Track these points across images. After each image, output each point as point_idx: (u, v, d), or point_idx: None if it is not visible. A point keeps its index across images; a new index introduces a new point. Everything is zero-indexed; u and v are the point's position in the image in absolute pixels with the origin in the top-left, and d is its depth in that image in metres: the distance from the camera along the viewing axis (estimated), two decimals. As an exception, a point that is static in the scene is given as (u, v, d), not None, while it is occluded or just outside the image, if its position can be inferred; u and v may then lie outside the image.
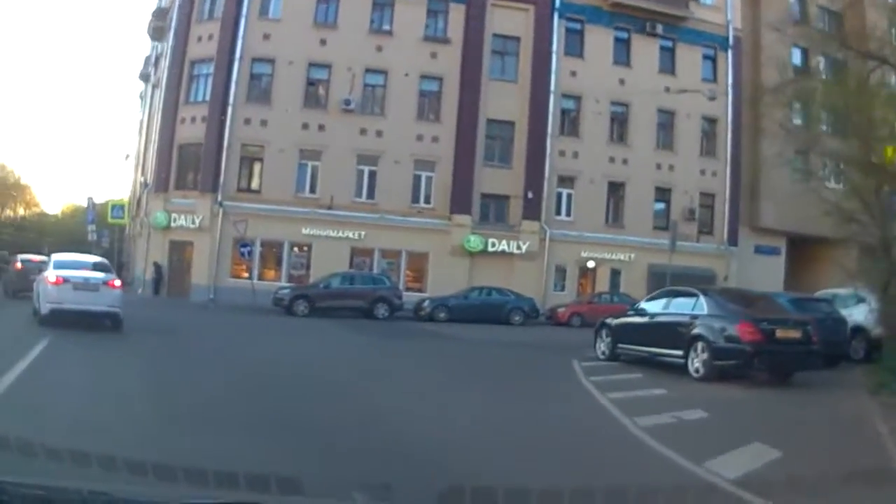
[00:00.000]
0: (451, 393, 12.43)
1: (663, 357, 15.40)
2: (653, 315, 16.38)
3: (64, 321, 16.25)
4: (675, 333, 14.95)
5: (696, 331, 14.53)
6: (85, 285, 16.53)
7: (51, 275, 16.86)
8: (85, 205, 38.15)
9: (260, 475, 4.12)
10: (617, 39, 38.59)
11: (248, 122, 34.67)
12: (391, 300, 30.91)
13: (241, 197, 34.31)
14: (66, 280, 16.44)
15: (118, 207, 33.45)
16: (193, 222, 34.07)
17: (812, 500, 6.22)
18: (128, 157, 42.44)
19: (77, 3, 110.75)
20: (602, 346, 17.64)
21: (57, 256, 19.62)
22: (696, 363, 14.34)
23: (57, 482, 2.95)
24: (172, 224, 34.40)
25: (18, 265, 27.03)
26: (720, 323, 14.43)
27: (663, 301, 16.58)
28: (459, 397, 11.90)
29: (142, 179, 40.01)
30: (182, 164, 35.27)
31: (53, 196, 73.25)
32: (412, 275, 36.26)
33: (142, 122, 45.93)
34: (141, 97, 50.64)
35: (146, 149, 38.86)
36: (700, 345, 14.32)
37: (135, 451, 5.69)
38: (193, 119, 35.10)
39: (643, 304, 17.57)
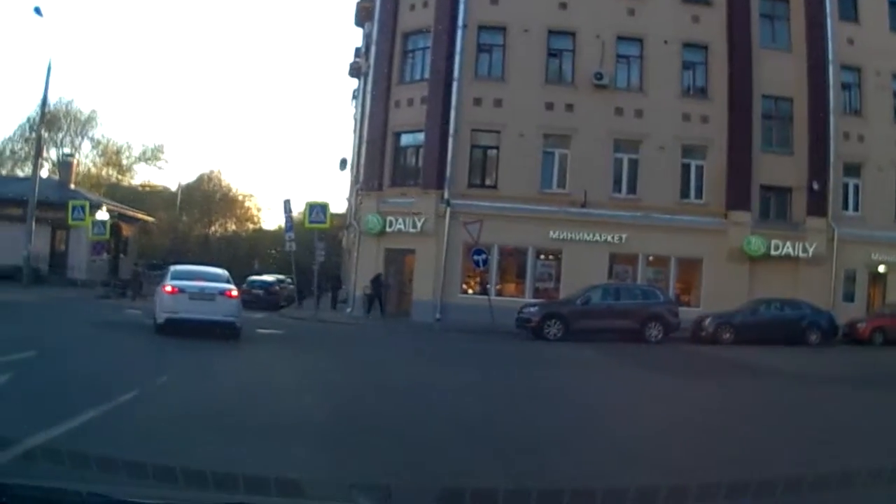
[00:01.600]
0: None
1: None
2: None
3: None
4: None
5: None
6: (200, 295, 16.72)
7: (167, 285, 17.18)
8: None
9: (260, 477, 4.27)
10: (892, 3, 30.66)
11: (478, 102, 28.23)
12: (666, 318, 24.48)
13: (472, 194, 27.78)
14: (181, 290, 16.74)
15: (317, 209, 27.23)
16: (414, 226, 27.69)
17: None
18: (344, 162, 37.89)
19: (289, 14, 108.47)
20: None
21: (176, 267, 19.86)
22: None
23: (56, 483, 2.91)
24: (388, 228, 28.15)
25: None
26: None
27: None
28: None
29: (351, 177, 34.01)
30: (398, 157, 29.11)
31: (271, 212, 73.06)
32: (681, 286, 28.96)
33: (355, 118, 41.62)
34: (354, 95, 46.27)
35: (359, 148, 33.04)
36: None
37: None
38: (410, 101, 28.91)
39: None
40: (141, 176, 65.58)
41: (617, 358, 19.11)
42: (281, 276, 39.67)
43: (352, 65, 45.65)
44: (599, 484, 5.99)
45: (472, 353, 18.94)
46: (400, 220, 27.94)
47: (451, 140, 27.76)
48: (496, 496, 4.64)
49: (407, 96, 29.04)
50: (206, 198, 68.11)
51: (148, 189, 62.19)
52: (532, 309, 24.29)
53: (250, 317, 27.65)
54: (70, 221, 31.87)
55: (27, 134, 51.68)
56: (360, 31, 38.90)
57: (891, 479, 6.42)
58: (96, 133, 58.26)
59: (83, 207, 31.62)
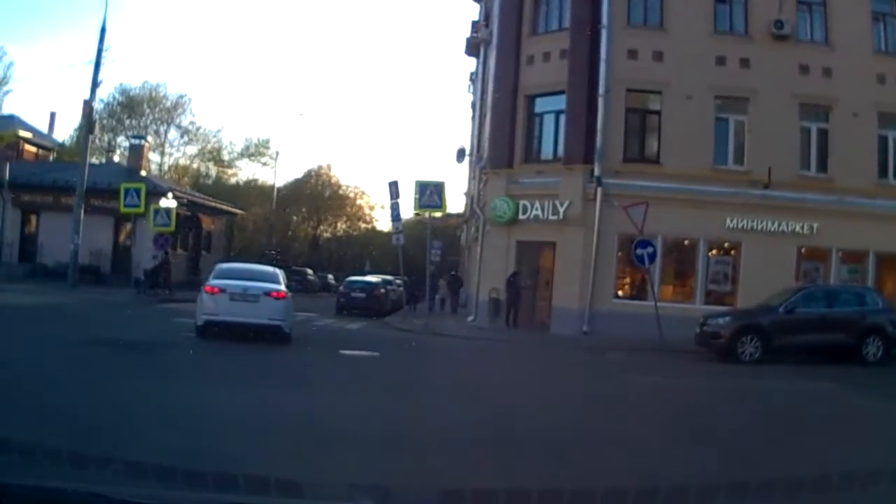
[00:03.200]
0: None
1: None
2: None
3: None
4: None
5: None
6: (243, 296, 15.31)
7: (208, 284, 15.97)
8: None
9: (260, 477, 4.23)
10: None
11: (632, 55, 22.27)
12: (887, 331, 18.13)
13: (629, 171, 21.85)
14: (222, 290, 15.43)
15: (430, 188, 21.64)
16: (555, 211, 21.93)
17: None
18: (462, 152, 32.42)
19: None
20: None
21: (223, 265, 18.60)
22: None
23: (56, 483, 2.86)
24: (521, 216, 22.44)
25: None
26: None
27: None
28: None
29: (471, 165, 28.28)
30: (532, 126, 23.37)
31: (385, 210, 68.75)
32: (880, 288, 22.41)
33: (473, 105, 37.23)
34: (471, 78, 41.82)
35: (480, 123, 27.76)
36: None
37: None
38: (547, 56, 23.14)
39: None
40: (246, 172, 62.32)
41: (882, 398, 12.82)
42: (388, 277, 34.40)
43: (469, 40, 40.59)
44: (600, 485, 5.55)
45: (669, 395, 12.57)
46: (536, 205, 22.20)
47: (600, 102, 21.85)
48: (496, 497, 4.48)
49: (542, 50, 23.25)
50: (315, 195, 64.82)
51: (252, 186, 58.23)
52: (721, 320, 18.22)
53: (342, 327, 22.65)
54: (122, 208, 26.85)
55: (104, 118, 47.85)
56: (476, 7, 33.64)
57: None
58: (184, 121, 53.80)
59: (137, 191, 26.57)
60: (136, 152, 33.69)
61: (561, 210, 21.78)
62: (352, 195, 67.88)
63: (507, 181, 22.76)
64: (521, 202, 22.41)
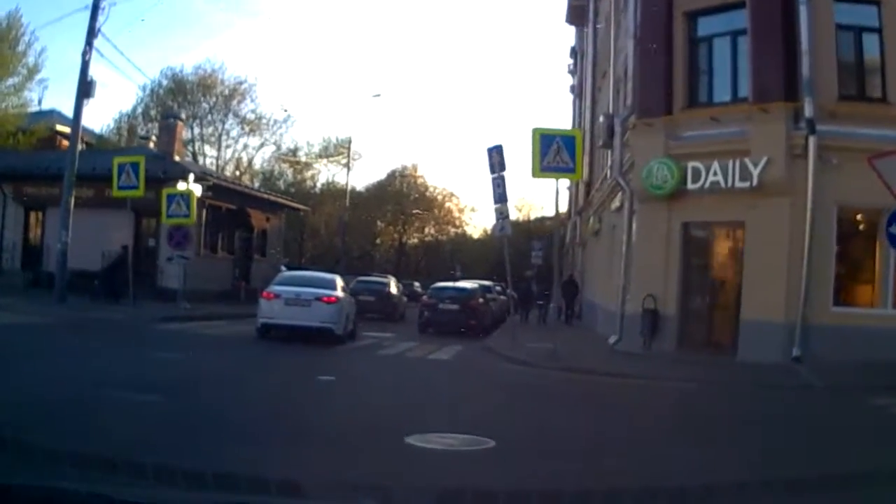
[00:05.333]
0: None
1: None
2: None
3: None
4: None
5: None
6: (296, 301, 16.33)
7: (266, 290, 17.09)
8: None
9: (260, 477, 4.13)
10: None
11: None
12: None
13: (845, 112, 14.53)
14: (277, 295, 16.53)
15: (555, 142, 14.74)
16: (744, 175, 14.70)
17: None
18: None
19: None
20: None
21: (286, 272, 19.89)
22: None
23: (57, 483, 2.78)
24: (689, 184, 15.26)
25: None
26: None
27: None
28: None
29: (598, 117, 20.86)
30: (695, 55, 16.17)
31: (476, 214, 64.45)
32: None
33: (572, 88, 33.63)
34: (572, 55, 37.23)
35: (613, 63, 21.04)
36: None
37: None
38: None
39: None
40: (325, 174, 57.05)
41: None
42: (487, 283, 27.83)
43: (571, 3, 34.33)
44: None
45: None
46: (713, 168, 14.98)
47: (801, 11, 14.61)
48: (497, 497, 4.28)
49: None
50: (399, 197, 59.98)
51: (332, 189, 53.66)
52: None
53: (424, 358, 15.54)
54: (115, 191, 20.08)
55: (150, 106, 42.38)
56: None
57: None
58: (245, 109, 47.89)
59: (135, 167, 19.68)
60: (168, 133, 27.04)
61: (753, 173, 14.54)
62: (439, 198, 63.08)
63: (666, 136, 15.61)
64: (690, 164, 15.27)
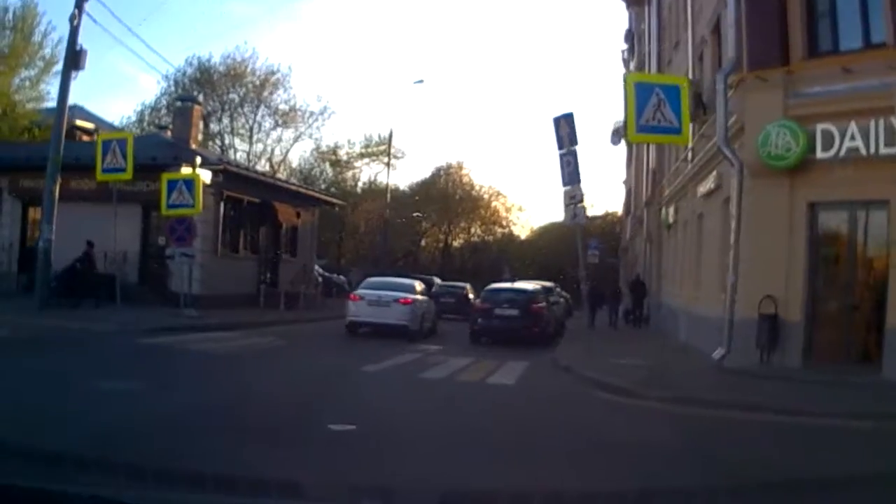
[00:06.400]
0: None
1: None
2: None
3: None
4: None
5: None
6: (377, 302, 18.77)
7: (353, 293, 19.98)
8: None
9: (260, 478, 4.09)
10: None
11: None
12: None
13: None
14: (361, 297, 19.16)
15: (655, 93, 11.45)
16: (890, 141, 11.38)
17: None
18: (618, 133, 28.32)
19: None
20: None
21: (371, 278, 21.91)
22: None
23: (57, 485, 2.70)
24: (819, 153, 11.96)
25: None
26: None
27: None
28: None
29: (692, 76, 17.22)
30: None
31: (525, 213, 62.88)
32: None
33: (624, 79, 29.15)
34: (626, 40, 35.57)
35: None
36: None
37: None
38: None
39: None
40: (367, 173, 54.59)
41: None
42: (549, 284, 25.00)
43: None
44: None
45: None
46: (849, 131, 11.72)
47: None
48: (498, 498, 4.17)
49: None
50: (445, 196, 57.54)
51: (375, 188, 50.79)
52: None
53: (481, 382, 11.79)
54: (99, 175, 17.74)
55: (173, 93, 39.67)
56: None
57: None
58: (278, 100, 44.94)
59: (122, 145, 17.57)
60: (184, 117, 24.10)
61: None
62: (486, 196, 60.51)
63: (784, 92, 12.38)
64: (818, 127, 11.99)
